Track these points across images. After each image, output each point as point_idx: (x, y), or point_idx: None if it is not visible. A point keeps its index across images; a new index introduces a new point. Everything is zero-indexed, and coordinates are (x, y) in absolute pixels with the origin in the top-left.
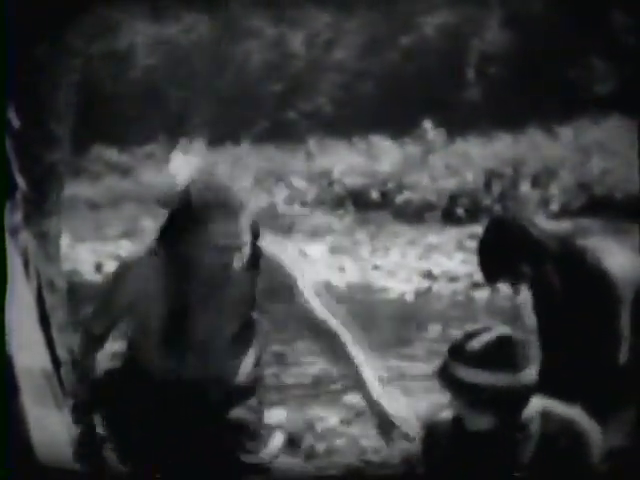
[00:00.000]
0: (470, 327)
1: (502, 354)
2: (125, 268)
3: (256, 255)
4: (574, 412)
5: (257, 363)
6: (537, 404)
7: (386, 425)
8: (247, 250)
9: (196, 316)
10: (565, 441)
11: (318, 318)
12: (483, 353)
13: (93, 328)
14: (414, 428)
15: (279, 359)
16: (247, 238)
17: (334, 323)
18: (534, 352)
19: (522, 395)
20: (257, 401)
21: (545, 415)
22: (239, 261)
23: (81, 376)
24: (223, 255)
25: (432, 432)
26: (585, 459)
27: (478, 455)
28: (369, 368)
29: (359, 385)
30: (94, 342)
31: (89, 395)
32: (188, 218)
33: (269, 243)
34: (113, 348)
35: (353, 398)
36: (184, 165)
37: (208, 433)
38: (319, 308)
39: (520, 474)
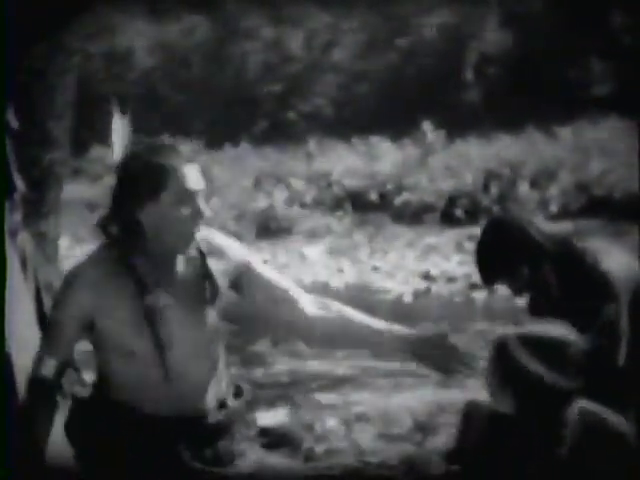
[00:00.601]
0: (472, 328)
1: (561, 354)
2: (70, 279)
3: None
4: (611, 415)
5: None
6: (576, 404)
7: (409, 341)
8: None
9: (172, 337)
10: (602, 441)
11: (279, 287)
12: (546, 345)
13: (42, 370)
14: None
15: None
16: (207, 212)
17: (297, 290)
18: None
19: (563, 397)
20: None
21: (583, 415)
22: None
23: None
24: (192, 202)
25: (470, 414)
26: (622, 459)
27: (512, 442)
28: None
29: (353, 325)
30: (45, 392)
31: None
32: (137, 193)
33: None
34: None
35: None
36: (122, 134)
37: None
38: (279, 279)
39: (558, 468)
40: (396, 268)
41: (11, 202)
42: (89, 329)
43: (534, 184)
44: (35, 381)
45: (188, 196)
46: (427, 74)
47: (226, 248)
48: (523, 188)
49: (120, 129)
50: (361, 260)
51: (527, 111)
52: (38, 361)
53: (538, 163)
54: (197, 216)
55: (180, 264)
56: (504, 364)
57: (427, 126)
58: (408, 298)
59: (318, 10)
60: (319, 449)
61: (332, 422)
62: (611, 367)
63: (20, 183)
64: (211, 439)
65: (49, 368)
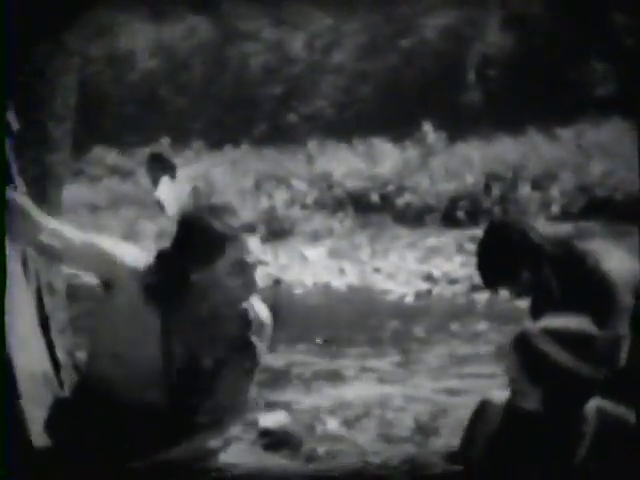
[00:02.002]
0: (474, 328)
1: (588, 345)
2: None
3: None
4: (626, 413)
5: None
6: (593, 402)
7: None
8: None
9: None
10: (620, 440)
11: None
12: (573, 337)
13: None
14: None
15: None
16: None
17: None
18: (611, 357)
19: (589, 389)
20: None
21: (600, 413)
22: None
23: None
24: (236, 294)
25: (485, 409)
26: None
27: (529, 438)
28: None
29: None
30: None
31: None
32: (194, 256)
33: None
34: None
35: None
36: (171, 191)
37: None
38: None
39: (576, 468)
40: (397, 269)
41: None
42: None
43: (535, 185)
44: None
45: (244, 267)
46: (428, 76)
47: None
48: (524, 189)
49: (171, 188)
50: (362, 261)
51: (528, 112)
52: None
53: (539, 164)
54: (249, 288)
55: (220, 327)
56: (529, 358)
57: (428, 127)
58: (409, 299)
59: (319, 12)
60: (320, 450)
61: (333, 423)
62: (611, 368)
63: (21, 184)
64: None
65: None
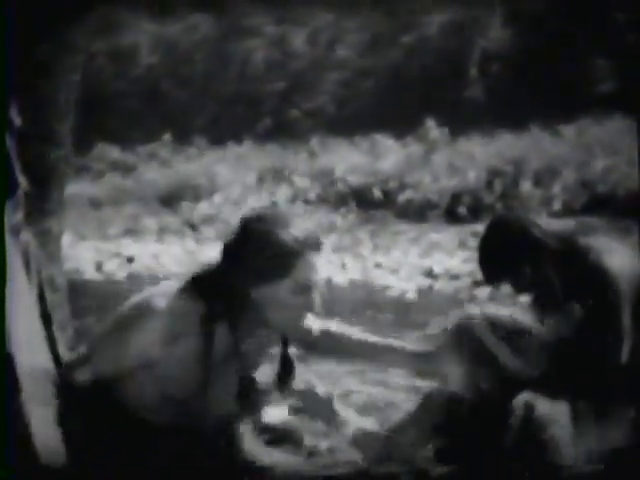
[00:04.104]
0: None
1: (523, 340)
2: (145, 309)
3: None
4: (556, 410)
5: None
6: (523, 396)
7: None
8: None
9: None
10: (537, 438)
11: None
12: (511, 328)
13: (77, 375)
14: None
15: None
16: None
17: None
18: (546, 355)
19: (518, 383)
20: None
21: (527, 408)
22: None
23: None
24: (294, 314)
25: (430, 400)
26: (553, 459)
27: (463, 427)
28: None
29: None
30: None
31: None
32: (259, 272)
33: None
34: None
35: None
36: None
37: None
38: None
39: (502, 460)
40: (399, 265)
41: (13, 200)
42: (146, 368)
43: (537, 182)
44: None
45: (307, 287)
46: (430, 72)
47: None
48: (526, 186)
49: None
50: (364, 257)
51: (530, 109)
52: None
53: (541, 161)
54: (308, 308)
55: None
56: (467, 344)
57: (430, 124)
58: (411, 295)
59: (321, 8)
60: (322, 446)
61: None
62: (613, 365)
63: (23, 181)
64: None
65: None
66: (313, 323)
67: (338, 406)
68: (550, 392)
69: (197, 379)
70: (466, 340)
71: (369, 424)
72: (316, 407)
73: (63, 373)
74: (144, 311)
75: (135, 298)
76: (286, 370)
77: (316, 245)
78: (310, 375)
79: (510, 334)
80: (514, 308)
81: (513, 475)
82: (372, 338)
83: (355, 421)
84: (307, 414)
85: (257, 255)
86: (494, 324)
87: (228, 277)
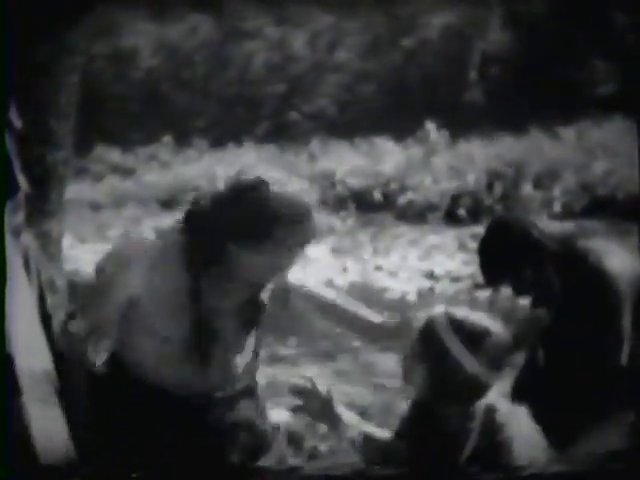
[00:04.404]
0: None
1: (484, 343)
2: (126, 253)
3: None
4: (515, 417)
5: (256, 352)
6: (485, 400)
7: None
8: None
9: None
10: (494, 442)
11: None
12: (473, 331)
13: (71, 327)
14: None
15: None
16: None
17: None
18: (511, 360)
19: (478, 387)
20: (258, 400)
21: (488, 412)
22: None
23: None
24: (290, 255)
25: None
26: (507, 463)
27: (425, 430)
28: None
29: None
30: (77, 344)
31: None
32: (241, 230)
33: None
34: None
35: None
36: None
37: (208, 438)
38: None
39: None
40: (399, 267)
41: (14, 202)
42: (132, 307)
43: (537, 184)
44: (65, 336)
45: (286, 252)
46: (431, 74)
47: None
48: (526, 188)
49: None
50: (365, 259)
51: (530, 111)
52: (69, 318)
53: (541, 163)
54: (285, 267)
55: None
56: (427, 343)
57: (430, 126)
58: (412, 297)
59: (322, 10)
60: (323, 447)
61: None
62: (613, 367)
63: (23, 182)
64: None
65: (79, 328)
66: (286, 277)
67: (340, 408)
68: (542, 392)
69: (180, 314)
70: (429, 340)
71: (371, 428)
72: (318, 408)
73: (60, 330)
74: (132, 245)
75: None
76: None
77: (306, 214)
78: (311, 374)
79: (472, 336)
80: (477, 311)
81: (471, 477)
82: (343, 303)
83: (358, 424)
84: (308, 414)
85: (244, 214)
86: (456, 325)
87: (214, 225)
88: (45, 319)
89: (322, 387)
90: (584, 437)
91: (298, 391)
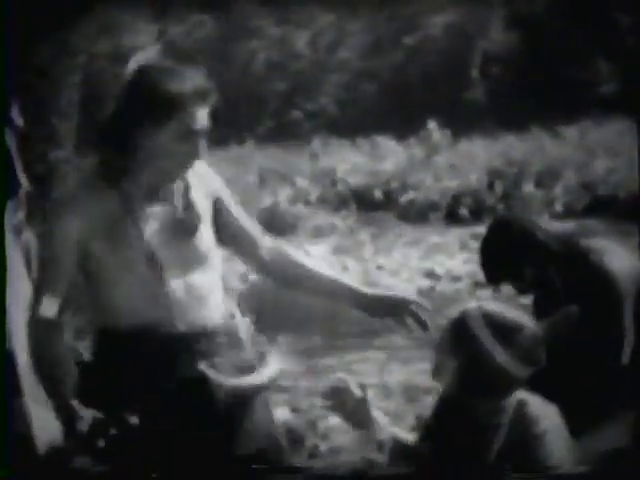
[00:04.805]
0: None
1: (517, 337)
2: (59, 206)
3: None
4: (546, 412)
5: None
6: (517, 395)
7: (393, 304)
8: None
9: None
10: (525, 439)
11: (242, 225)
12: (506, 326)
13: (42, 311)
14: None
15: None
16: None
17: (258, 231)
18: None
19: (511, 382)
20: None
21: (519, 407)
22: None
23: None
24: (193, 141)
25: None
26: (541, 459)
27: (454, 424)
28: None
29: (310, 272)
30: (51, 331)
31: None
32: (143, 115)
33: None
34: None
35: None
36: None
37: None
38: (245, 217)
39: (489, 461)
40: (400, 266)
41: (15, 200)
42: (85, 257)
43: (539, 183)
44: (36, 324)
45: (191, 134)
46: (432, 73)
47: (205, 176)
48: (528, 187)
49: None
50: (365, 258)
51: (532, 111)
52: (36, 303)
53: (543, 162)
54: (193, 155)
55: (166, 193)
56: (459, 337)
57: (432, 125)
58: (413, 296)
59: (323, 9)
60: (323, 447)
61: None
62: (614, 366)
63: (24, 181)
64: (225, 349)
65: (50, 307)
66: (267, 241)
67: (373, 410)
68: (543, 392)
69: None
70: (462, 334)
71: (401, 432)
72: (352, 408)
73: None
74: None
75: None
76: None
77: (203, 95)
78: (343, 373)
79: (505, 330)
80: (510, 306)
81: (502, 475)
82: (325, 271)
83: (388, 428)
84: (341, 414)
85: (142, 100)
86: (491, 319)
87: (119, 122)
88: None
89: (356, 388)
90: (585, 437)
91: (332, 391)
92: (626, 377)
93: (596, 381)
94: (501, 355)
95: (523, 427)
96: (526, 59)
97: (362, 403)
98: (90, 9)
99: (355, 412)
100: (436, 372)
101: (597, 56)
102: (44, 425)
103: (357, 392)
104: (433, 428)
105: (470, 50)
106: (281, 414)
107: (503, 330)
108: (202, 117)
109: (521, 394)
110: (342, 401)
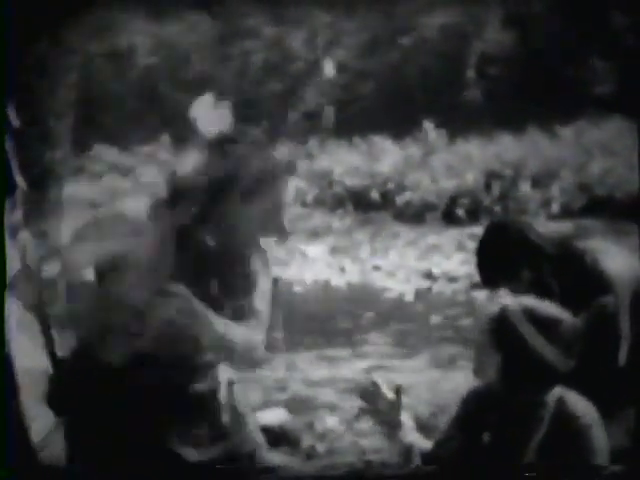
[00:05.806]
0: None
1: (558, 331)
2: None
3: None
4: (586, 408)
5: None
6: (557, 390)
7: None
8: None
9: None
10: (568, 434)
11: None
12: (548, 322)
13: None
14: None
15: None
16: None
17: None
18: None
19: (554, 376)
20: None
21: (560, 402)
22: None
23: None
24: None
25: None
26: (584, 456)
27: (492, 419)
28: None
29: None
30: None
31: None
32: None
33: None
34: None
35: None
36: (210, 116)
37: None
38: None
39: (528, 455)
40: (397, 267)
41: (12, 200)
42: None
43: (535, 184)
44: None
45: (275, 208)
46: (429, 74)
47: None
48: (524, 188)
49: (210, 104)
50: (362, 259)
51: (528, 111)
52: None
53: (540, 163)
54: (278, 230)
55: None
56: (501, 333)
57: (428, 125)
58: (409, 297)
59: (319, 9)
60: (320, 448)
61: (332, 420)
62: (611, 367)
63: (21, 181)
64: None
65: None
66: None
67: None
68: (579, 388)
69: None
70: (503, 330)
71: (423, 441)
72: (384, 411)
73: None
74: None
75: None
76: None
77: (291, 168)
78: (376, 376)
79: (546, 324)
80: (548, 302)
81: (543, 471)
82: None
83: (414, 431)
84: (373, 417)
85: (230, 171)
86: (531, 314)
87: (206, 188)
88: (44, 319)
89: (388, 391)
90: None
91: (365, 394)
92: (625, 377)
93: (594, 382)
94: (545, 348)
95: (565, 422)
96: (522, 59)
97: (395, 407)
98: (87, 9)
99: (387, 415)
100: (479, 369)
101: (594, 56)
102: (42, 426)
103: (390, 395)
104: (464, 427)
105: (466, 50)
106: (278, 415)
107: (544, 324)
108: (290, 189)
109: (559, 389)
110: (375, 404)
